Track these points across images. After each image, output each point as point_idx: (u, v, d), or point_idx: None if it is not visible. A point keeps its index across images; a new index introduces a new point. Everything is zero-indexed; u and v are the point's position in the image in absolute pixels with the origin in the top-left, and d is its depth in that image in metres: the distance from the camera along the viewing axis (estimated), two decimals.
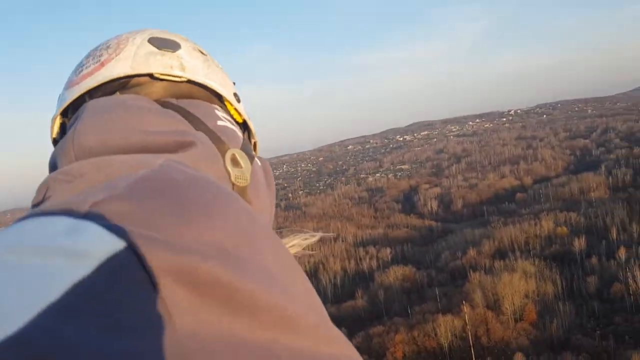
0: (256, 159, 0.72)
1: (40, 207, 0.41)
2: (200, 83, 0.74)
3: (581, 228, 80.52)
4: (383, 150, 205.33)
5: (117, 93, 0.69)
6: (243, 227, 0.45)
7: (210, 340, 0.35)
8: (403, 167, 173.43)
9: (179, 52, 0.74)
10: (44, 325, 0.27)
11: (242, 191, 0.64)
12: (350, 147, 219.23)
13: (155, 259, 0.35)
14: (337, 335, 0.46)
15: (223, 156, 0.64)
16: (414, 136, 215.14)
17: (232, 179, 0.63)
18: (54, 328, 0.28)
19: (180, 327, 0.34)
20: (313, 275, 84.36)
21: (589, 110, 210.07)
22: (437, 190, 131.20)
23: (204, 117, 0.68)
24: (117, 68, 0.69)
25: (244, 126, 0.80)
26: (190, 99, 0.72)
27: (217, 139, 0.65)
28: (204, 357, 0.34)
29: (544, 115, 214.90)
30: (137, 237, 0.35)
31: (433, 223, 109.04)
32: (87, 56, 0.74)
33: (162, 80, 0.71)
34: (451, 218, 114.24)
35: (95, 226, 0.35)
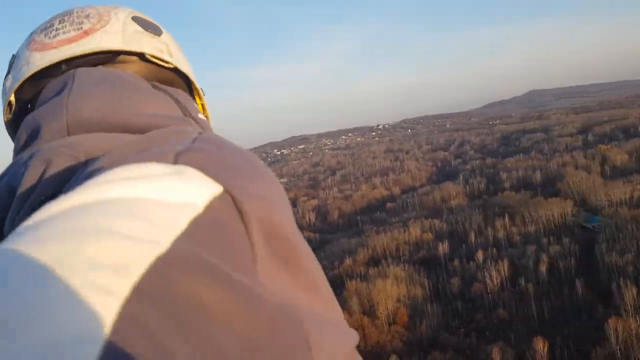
0: None
1: (98, 163, 0.42)
2: (183, 72, 0.72)
3: (444, 233, 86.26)
4: None
5: (100, 67, 0.66)
6: (283, 192, 0.46)
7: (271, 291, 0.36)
8: (281, 180, 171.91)
9: (163, 36, 0.72)
10: (184, 248, 0.29)
11: None
12: None
13: (247, 204, 0.37)
14: (336, 302, 0.50)
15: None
16: (291, 150, 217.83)
17: None
18: (193, 251, 0.30)
19: (259, 273, 0.37)
20: None
21: (448, 125, 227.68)
22: (315, 202, 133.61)
23: (189, 108, 0.66)
24: (106, 40, 0.65)
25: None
26: (172, 87, 0.69)
27: (204, 125, 0.65)
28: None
29: (409, 130, 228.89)
30: (230, 183, 0.37)
31: (311, 234, 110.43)
32: (60, 21, 0.68)
33: (150, 62, 0.68)
34: (328, 229, 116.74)
35: (194, 170, 0.37)
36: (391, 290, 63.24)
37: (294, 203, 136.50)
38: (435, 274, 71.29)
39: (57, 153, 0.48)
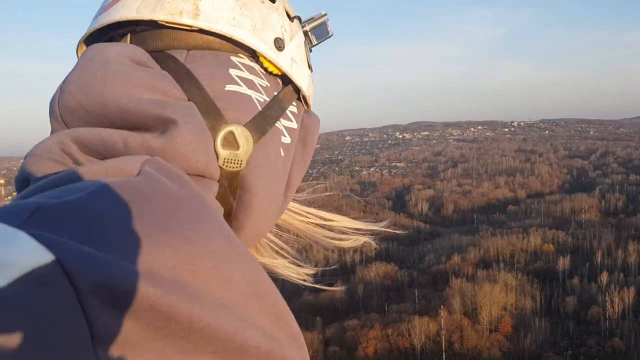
0: (282, 124, 0.62)
1: None
2: (217, 33, 0.59)
3: (567, 247, 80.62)
4: (380, 146, 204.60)
5: (128, 37, 0.61)
6: (210, 250, 0.41)
7: None
8: (399, 164, 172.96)
9: None
10: None
11: (232, 176, 0.56)
12: (348, 137, 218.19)
13: (83, 274, 0.32)
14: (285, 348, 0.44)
15: (215, 134, 0.54)
16: (414, 135, 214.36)
17: (220, 162, 0.54)
18: None
19: (104, 353, 0.32)
20: None
21: (591, 132, 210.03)
22: (430, 192, 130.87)
23: (207, 78, 0.57)
24: (124, 8, 0.59)
25: (287, 77, 0.65)
26: (204, 50, 0.60)
27: (214, 111, 0.55)
28: None
29: (547, 131, 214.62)
30: (68, 251, 0.33)
31: (422, 224, 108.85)
32: None
33: (170, 28, 0.59)
34: (440, 221, 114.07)
35: (27, 236, 0.33)
36: (498, 297, 60.51)
37: (407, 189, 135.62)
38: (549, 289, 67.03)
39: (28, 162, 0.49)
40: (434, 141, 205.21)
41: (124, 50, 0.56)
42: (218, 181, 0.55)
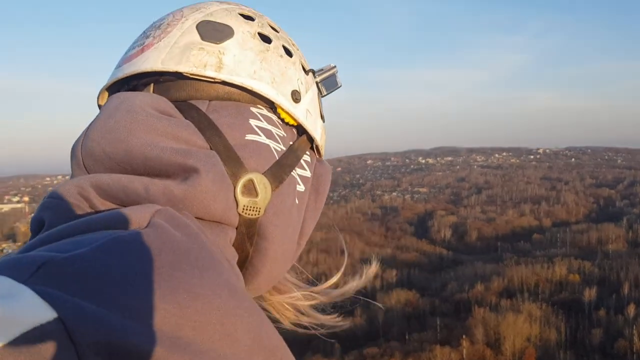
0: (296, 172, 0.64)
1: None
2: (238, 85, 0.61)
3: (594, 278, 78.74)
4: (403, 170, 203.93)
5: (151, 86, 0.63)
6: (215, 305, 0.41)
7: None
8: (421, 189, 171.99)
9: (226, 42, 0.62)
10: None
11: (250, 223, 0.57)
12: (370, 161, 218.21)
13: (84, 333, 0.32)
14: None
15: (236, 181, 0.56)
16: (437, 160, 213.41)
17: (239, 210, 0.56)
18: None
19: None
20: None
21: (619, 160, 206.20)
22: (453, 218, 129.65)
23: (228, 128, 0.59)
24: (149, 60, 0.61)
25: (302, 128, 0.67)
26: (224, 101, 0.62)
27: (234, 159, 0.56)
28: None
29: (573, 159, 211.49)
30: (72, 308, 0.33)
31: (444, 251, 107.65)
32: (145, 30, 0.66)
33: (193, 79, 0.61)
34: (463, 249, 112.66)
35: (31, 292, 0.33)
36: (522, 327, 59.38)
37: (430, 215, 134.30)
38: (575, 320, 65.43)
39: (45, 205, 0.51)
40: (458, 167, 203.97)
41: (149, 99, 0.57)
42: (236, 228, 0.56)
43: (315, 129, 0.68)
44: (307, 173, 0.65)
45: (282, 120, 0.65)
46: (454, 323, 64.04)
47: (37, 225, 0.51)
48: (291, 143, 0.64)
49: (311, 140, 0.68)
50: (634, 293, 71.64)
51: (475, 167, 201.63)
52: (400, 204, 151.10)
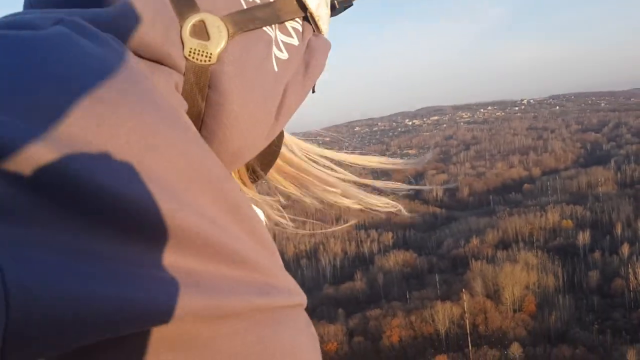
0: (277, 35, 0.53)
1: None
2: None
3: (586, 222, 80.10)
4: (391, 134, 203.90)
5: None
6: (127, 113, 0.33)
7: (26, 238, 0.27)
8: (410, 151, 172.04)
9: None
10: None
11: (200, 71, 0.46)
12: (357, 128, 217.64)
13: None
14: (258, 262, 0.39)
15: (183, 20, 0.46)
16: (423, 121, 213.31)
17: (185, 52, 0.45)
18: None
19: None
20: (313, 255, 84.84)
21: (602, 104, 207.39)
22: (444, 176, 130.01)
23: None
24: None
25: None
26: None
27: None
28: (6, 259, 0.25)
29: (557, 107, 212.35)
30: None
31: (437, 210, 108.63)
32: None
33: None
34: (456, 206, 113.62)
35: None
36: (520, 276, 60.40)
37: (421, 175, 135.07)
38: (571, 265, 66.82)
39: None
40: (445, 125, 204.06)
41: None
42: (183, 75, 0.46)
43: None
44: (294, 41, 0.56)
45: None
46: (452, 278, 65.01)
47: None
48: (271, 0, 0.54)
49: (304, 9, 0.58)
50: (627, 233, 72.99)
51: (461, 124, 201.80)
52: (390, 167, 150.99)
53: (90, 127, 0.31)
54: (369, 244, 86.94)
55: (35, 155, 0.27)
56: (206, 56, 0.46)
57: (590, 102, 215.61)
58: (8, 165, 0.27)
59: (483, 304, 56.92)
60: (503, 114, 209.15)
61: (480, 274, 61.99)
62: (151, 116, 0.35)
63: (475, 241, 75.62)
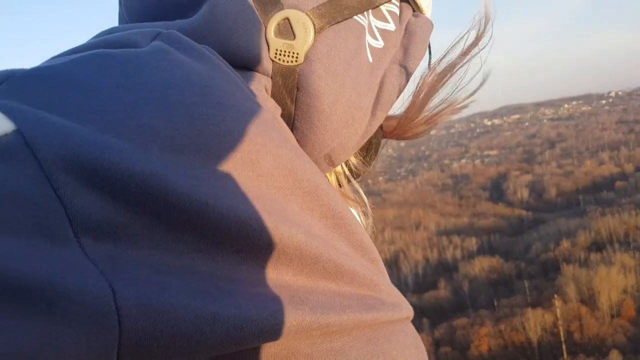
0: (373, 23, 0.50)
1: None
2: None
3: None
4: (469, 135, 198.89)
5: None
6: (225, 128, 0.33)
7: (134, 259, 0.27)
8: (491, 152, 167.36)
9: None
10: None
11: (288, 72, 0.44)
12: (433, 132, 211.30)
13: (47, 145, 0.26)
14: (362, 275, 0.37)
15: (267, 19, 0.44)
16: (504, 120, 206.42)
17: (271, 54, 0.44)
18: None
19: (90, 242, 0.26)
20: (393, 263, 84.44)
21: None
22: (529, 177, 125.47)
23: None
24: None
25: None
26: None
27: None
28: (118, 281, 0.25)
29: None
30: (32, 119, 0.27)
31: (523, 212, 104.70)
32: None
33: None
34: (543, 207, 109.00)
35: None
36: (616, 280, 57.26)
37: (504, 177, 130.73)
38: None
39: None
40: (527, 123, 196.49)
41: None
42: (271, 78, 0.44)
43: None
44: (391, 26, 0.51)
45: None
46: (543, 284, 62.61)
47: None
48: None
49: None
50: None
51: (544, 121, 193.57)
52: (470, 171, 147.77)
53: (187, 146, 0.31)
54: (451, 250, 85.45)
55: (145, 176, 0.28)
56: (293, 56, 0.44)
57: None
58: (119, 186, 0.27)
59: (577, 310, 54.49)
60: (589, 108, 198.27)
61: (573, 278, 59.38)
62: (256, 131, 0.34)
63: (565, 244, 72.38)
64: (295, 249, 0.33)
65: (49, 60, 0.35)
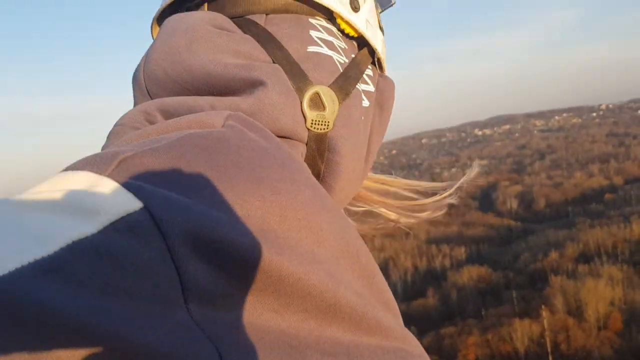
0: (360, 87, 0.60)
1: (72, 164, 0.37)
2: None
3: None
4: (460, 145, 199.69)
5: (205, 5, 0.60)
6: (299, 201, 0.39)
7: (229, 323, 0.31)
8: (481, 162, 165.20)
9: None
10: (20, 283, 0.24)
11: (320, 138, 0.54)
12: (424, 140, 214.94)
13: (172, 222, 0.30)
14: (394, 329, 0.42)
15: (302, 95, 0.53)
16: (494, 130, 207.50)
17: (307, 124, 0.53)
18: (32, 288, 0.24)
19: (195, 307, 0.30)
20: (383, 271, 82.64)
21: None
22: (518, 187, 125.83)
23: (289, 40, 0.56)
24: None
25: (362, 40, 0.64)
26: (282, 14, 0.58)
27: (298, 72, 0.54)
28: (222, 345, 0.30)
29: (639, 111, 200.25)
30: (157, 198, 0.31)
31: (512, 222, 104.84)
32: None
33: None
34: (532, 218, 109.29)
35: (113, 183, 0.32)
36: (604, 292, 57.26)
37: (494, 187, 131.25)
38: None
39: (112, 131, 0.49)
40: (517, 134, 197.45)
41: (206, 17, 0.55)
42: (306, 144, 0.54)
43: (376, 40, 0.65)
44: (371, 88, 0.62)
45: (342, 31, 0.62)
46: (531, 294, 62.53)
47: None
48: (353, 56, 0.61)
49: (372, 53, 0.65)
50: None
51: (535, 132, 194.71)
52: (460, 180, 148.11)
53: (274, 220, 0.36)
54: (440, 258, 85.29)
55: (247, 248, 0.32)
56: (324, 125, 0.54)
57: None
58: (226, 256, 0.31)
59: (565, 321, 54.36)
60: (580, 120, 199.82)
61: (561, 289, 59.30)
62: (314, 203, 0.40)
63: (554, 255, 72.39)
64: (349, 309, 0.37)
65: (151, 141, 0.39)
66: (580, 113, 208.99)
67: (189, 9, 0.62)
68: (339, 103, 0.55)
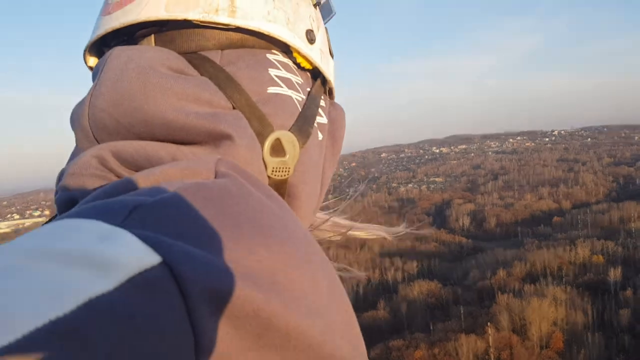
0: (315, 122, 0.57)
1: (75, 209, 0.36)
2: (254, 30, 0.54)
3: (618, 258, 77.72)
4: (417, 161, 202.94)
5: (152, 37, 0.54)
6: (302, 253, 0.38)
7: None
8: (437, 179, 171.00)
9: None
10: (33, 347, 0.22)
11: (280, 184, 0.52)
12: (384, 154, 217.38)
13: (193, 279, 0.29)
14: None
15: (263, 141, 0.50)
16: (451, 149, 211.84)
17: (269, 172, 0.51)
18: (47, 356, 0.22)
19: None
20: None
21: (637, 137, 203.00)
22: (471, 206, 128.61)
23: (249, 82, 0.52)
24: (149, 5, 0.52)
25: (316, 71, 0.61)
26: (238, 49, 0.55)
27: (259, 118, 0.51)
28: None
29: (589, 139, 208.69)
30: (176, 253, 0.30)
31: (464, 240, 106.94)
32: None
33: (201, 27, 0.53)
34: (483, 236, 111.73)
35: (131, 236, 0.30)
36: (548, 312, 58.79)
37: (447, 204, 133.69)
38: (601, 302, 64.58)
39: (80, 177, 0.45)
40: (472, 154, 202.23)
41: (157, 56, 0.50)
42: None
43: (329, 70, 0.63)
44: (324, 119, 0.60)
45: (298, 65, 0.59)
46: (478, 311, 63.63)
47: (68, 205, 0.45)
48: (309, 90, 0.58)
49: (324, 82, 0.63)
50: None
51: (490, 153, 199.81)
52: (416, 195, 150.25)
53: (281, 272, 0.36)
54: (392, 272, 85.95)
55: (254, 299, 0.32)
56: (285, 171, 0.52)
57: (623, 135, 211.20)
58: (243, 317, 0.31)
59: (509, 338, 55.47)
60: (533, 144, 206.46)
61: (507, 307, 60.57)
62: (312, 255, 0.41)
63: (502, 273, 74.01)
64: (342, 359, 0.38)
65: (151, 190, 0.37)
66: (533, 137, 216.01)
67: (129, 41, 0.56)
68: (300, 147, 0.53)
